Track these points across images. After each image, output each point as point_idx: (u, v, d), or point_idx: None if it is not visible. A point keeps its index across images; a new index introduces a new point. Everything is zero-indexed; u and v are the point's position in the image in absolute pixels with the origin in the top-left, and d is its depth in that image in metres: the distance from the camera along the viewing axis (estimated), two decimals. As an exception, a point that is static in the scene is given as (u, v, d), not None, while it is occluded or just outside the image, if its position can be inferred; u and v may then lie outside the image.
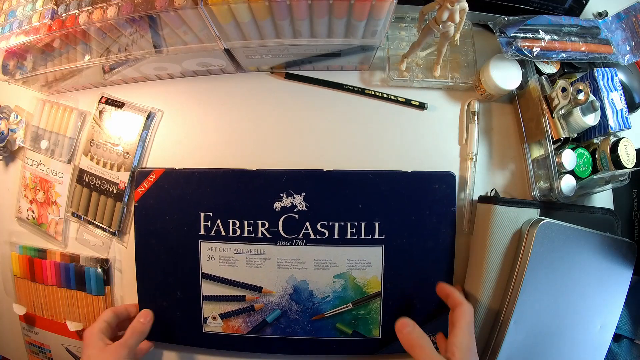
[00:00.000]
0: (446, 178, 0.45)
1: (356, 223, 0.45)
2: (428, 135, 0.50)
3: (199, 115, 0.52)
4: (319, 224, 0.45)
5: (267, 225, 0.45)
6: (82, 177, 0.51)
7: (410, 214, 0.45)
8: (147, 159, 0.51)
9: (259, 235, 0.45)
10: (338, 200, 0.45)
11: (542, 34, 0.46)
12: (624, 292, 0.46)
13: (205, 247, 0.46)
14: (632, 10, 0.48)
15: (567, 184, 0.45)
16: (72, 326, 0.50)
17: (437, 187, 0.45)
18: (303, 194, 0.45)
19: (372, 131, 0.51)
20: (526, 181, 0.49)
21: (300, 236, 0.45)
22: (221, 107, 0.52)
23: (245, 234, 0.45)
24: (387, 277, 0.45)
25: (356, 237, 0.45)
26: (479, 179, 0.49)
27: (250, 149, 0.51)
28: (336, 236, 0.45)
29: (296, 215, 0.45)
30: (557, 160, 0.45)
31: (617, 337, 0.47)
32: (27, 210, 0.54)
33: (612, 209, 0.50)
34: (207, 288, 0.46)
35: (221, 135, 0.51)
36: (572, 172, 0.46)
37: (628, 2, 0.48)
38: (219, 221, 0.46)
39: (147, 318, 0.45)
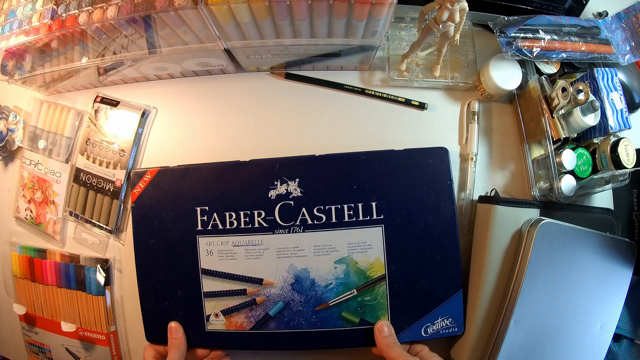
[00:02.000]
0: (439, 152, 0.44)
1: (353, 205, 0.44)
2: (428, 135, 0.50)
3: (199, 115, 0.52)
4: (315, 208, 0.44)
5: (263, 214, 0.45)
6: (78, 176, 0.51)
7: (407, 191, 0.44)
8: (142, 156, 0.51)
9: (256, 225, 0.45)
10: (333, 183, 0.45)
11: (542, 34, 0.46)
12: (624, 292, 0.46)
13: (203, 242, 0.45)
14: (632, 10, 0.48)
15: (567, 184, 0.45)
16: (66, 327, 0.50)
17: (431, 162, 0.44)
18: (297, 180, 0.45)
19: (372, 131, 0.51)
20: (526, 181, 0.49)
21: (298, 223, 0.44)
22: (221, 107, 0.52)
23: (242, 225, 0.45)
24: (390, 258, 0.44)
25: (354, 219, 0.44)
26: (479, 179, 0.49)
27: (250, 150, 0.50)
28: (334, 220, 0.44)
29: (292, 202, 0.44)
30: (557, 160, 0.45)
31: (617, 337, 0.47)
32: (25, 209, 0.54)
33: (612, 209, 0.50)
34: (208, 284, 0.45)
35: (221, 135, 0.51)
36: (572, 172, 0.46)
37: (628, 2, 0.48)
38: (215, 214, 0.45)
39: (177, 331, 0.45)
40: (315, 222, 0.44)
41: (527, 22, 0.46)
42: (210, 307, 0.46)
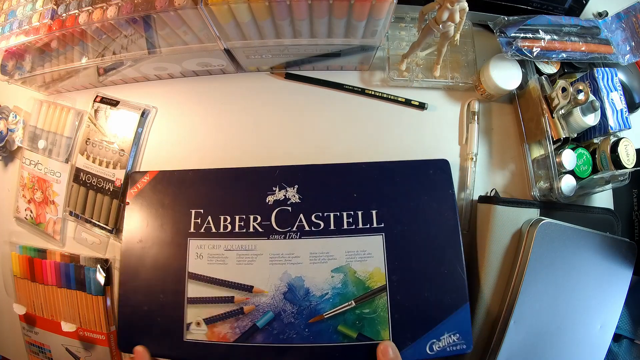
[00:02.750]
0: (440, 164, 0.44)
1: (352, 212, 0.43)
2: (428, 135, 0.50)
3: (199, 115, 0.52)
4: (313, 215, 0.43)
5: (259, 219, 0.44)
6: (78, 176, 0.51)
7: (409, 200, 0.43)
8: (142, 156, 0.51)
9: (251, 229, 0.43)
10: (332, 191, 0.44)
11: (542, 34, 0.46)
12: (624, 292, 0.46)
13: (194, 245, 0.44)
14: (632, 10, 0.48)
15: (567, 184, 0.45)
16: (67, 327, 0.50)
17: (432, 172, 0.44)
18: (296, 186, 0.44)
19: (372, 131, 0.51)
20: (526, 181, 0.49)
21: (294, 229, 0.43)
22: (221, 107, 0.52)
23: (237, 229, 0.43)
24: (391, 268, 0.42)
25: (353, 227, 0.43)
26: (479, 179, 0.49)
27: (250, 150, 0.51)
28: (332, 227, 0.43)
29: (289, 208, 0.44)
30: (557, 160, 0.45)
31: (617, 337, 0.47)
32: (25, 210, 0.54)
33: (612, 209, 0.50)
34: (193, 289, 0.43)
35: (221, 135, 0.51)
36: (572, 172, 0.46)
37: (628, 2, 0.48)
38: (209, 217, 0.44)
39: (142, 357, 0.41)
40: (313, 228, 0.43)
41: (527, 22, 0.46)
42: (193, 314, 0.42)
